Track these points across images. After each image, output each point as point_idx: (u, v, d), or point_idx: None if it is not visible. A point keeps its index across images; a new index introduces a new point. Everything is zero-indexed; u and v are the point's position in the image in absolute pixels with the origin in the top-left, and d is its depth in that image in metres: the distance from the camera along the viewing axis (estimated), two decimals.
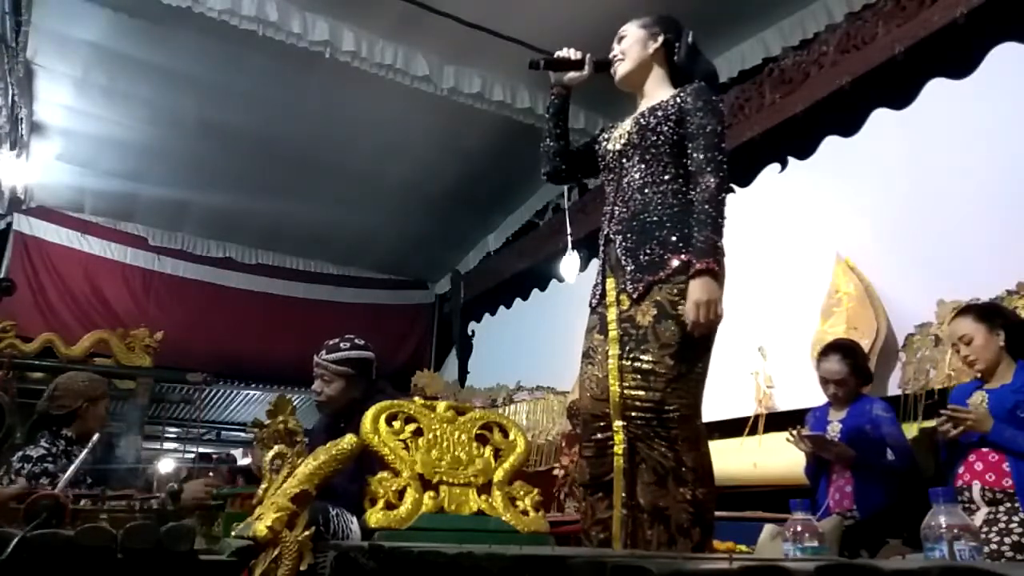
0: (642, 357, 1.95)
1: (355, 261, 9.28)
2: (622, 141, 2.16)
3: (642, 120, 2.13)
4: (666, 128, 2.07)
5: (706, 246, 1.92)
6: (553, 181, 2.51)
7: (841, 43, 4.47)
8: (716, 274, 1.90)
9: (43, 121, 6.51)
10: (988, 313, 2.69)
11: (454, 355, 9.07)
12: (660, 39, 2.22)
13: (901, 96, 4.15)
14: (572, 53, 2.28)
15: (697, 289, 1.88)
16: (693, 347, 1.95)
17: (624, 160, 2.15)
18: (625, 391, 1.95)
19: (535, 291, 7.55)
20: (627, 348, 1.98)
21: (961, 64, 3.87)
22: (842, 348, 3.14)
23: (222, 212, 7.94)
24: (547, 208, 7.78)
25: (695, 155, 2.01)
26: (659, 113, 2.10)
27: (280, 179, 7.24)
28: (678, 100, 2.09)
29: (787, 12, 5.11)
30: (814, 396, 3.27)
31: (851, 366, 3.07)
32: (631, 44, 2.23)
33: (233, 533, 1.91)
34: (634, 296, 2.00)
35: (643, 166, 2.10)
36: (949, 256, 3.73)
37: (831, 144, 4.57)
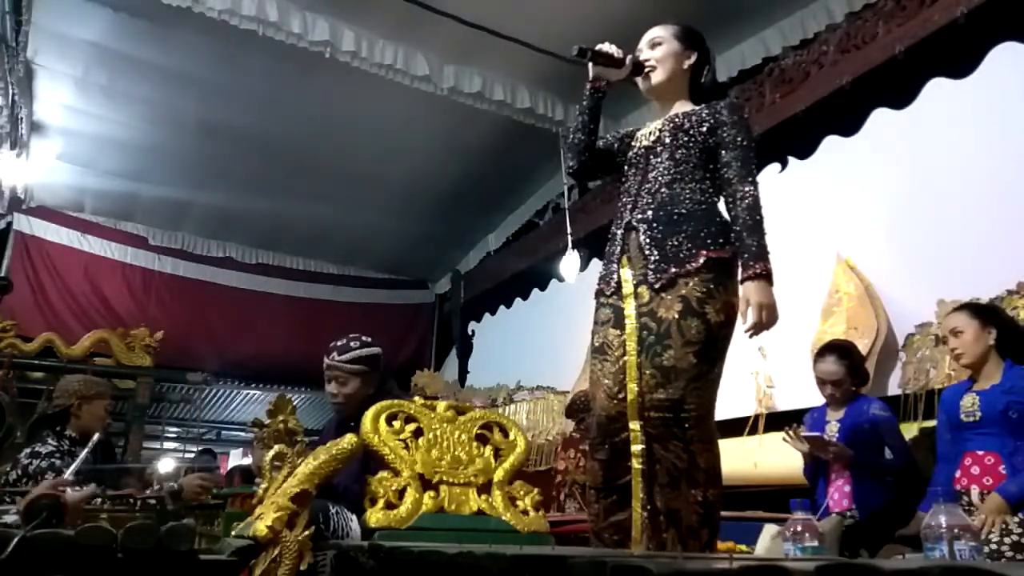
0: (664, 354, 1.91)
1: (355, 261, 9.29)
2: (652, 138, 2.17)
3: (676, 120, 2.14)
4: (698, 133, 2.09)
5: (760, 250, 1.93)
6: (578, 177, 2.50)
7: (841, 43, 4.47)
8: (770, 278, 1.92)
9: (43, 121, 6.51)
10: (982, 311, 2.71)
11: (454, 355, 9.07)
12: (694, 57, 2.23)
13: (901, 96, 4.15)
14: (615, 50, 2.24)
15: (757, 292, 1.90)
16: (715, 347, 1.94)
17: (652, 156, 2.15)
18: (644, 390, 1.92)
19: (535, 291, 7.55)
20: (646, 344, 1.95)
21: (961, 64, 3.86)
22: (838, 349, 3.15)
23: (222, 212, 7.95)
24: (547, 208, 7.78)
25: (733, 163, 2.03)
26: (693, 118, 2.12)
27: (280, 179, 7.24)
28: (712, 111, 2.12)
29: (787, 12, 5.11)
30: (814, 396, 3.27)
31: (848, 367, 3.07)
32: (667, 55, 2.22)
33: (233, 532, 1.91)
34: (656, 287, 1.97)
35: (672, 163, 2.10)
36: (949, 256, 3.73)
37: (831, 144, 4.57)
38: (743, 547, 2.97)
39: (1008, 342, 2.61)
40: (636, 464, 1.93)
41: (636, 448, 1.93)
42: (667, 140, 2.12)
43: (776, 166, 4.90)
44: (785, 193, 4.80)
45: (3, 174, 6.68)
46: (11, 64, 5.45)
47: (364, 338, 2.60)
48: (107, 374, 5.69)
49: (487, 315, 8.59)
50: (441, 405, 2.12)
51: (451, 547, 1.34)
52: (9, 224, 7.62)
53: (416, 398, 2.13)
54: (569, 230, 6.34)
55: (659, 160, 2.12)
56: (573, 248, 6.27)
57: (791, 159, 4.81)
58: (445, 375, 8.73)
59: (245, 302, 8.64)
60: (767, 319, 1.90)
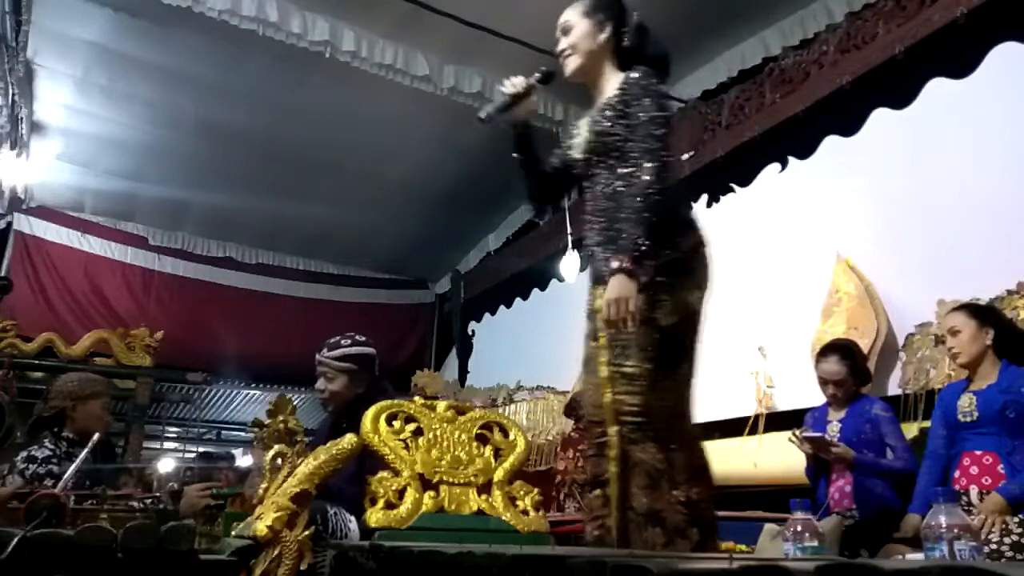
0: (626, 363, 1.95)
1: (355, 261, 9.28)
2: (585, 148, 2.15)
3: (596, 126, 2.11)
4: (619, 127, 2.05)
5: (625, 243, 1.88)
6: (542, 212, 2.48)
7: (841, 43, 4.47)
8: (630, 272, 1.85)
9: (43, 121, 6.51)
10: (980, 311, 2.73)
11: (454, 355, 9.07)
12: (609, 27, 2.16)
13: (901, 96, 4.15)
14: (515, 86, 2.21)
15: (612, 288, 1.85)
16: (672, 349, 1.95)
17: (591, 168, 2.13)
18: (616, 396, 1.96)
19: (535, 291, 7.55)
20: (615, 353, 1.99)
21: (961, 64, 3.86)
22: (841, 348, 3.15)
23: (222, 212, 7.94)
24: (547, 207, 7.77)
25: (636, 146, 1.97)
26: (608, 113, 2.07)
27: (280, 179, 7.24)
28: (622, 92, 2.06)
29: (787, 12, 5.11)
30: (814, 396, 3.27)
31: (850, 366, 3.07)
32: (580, 37, 2.16)
33: (233, 533, 1.91)
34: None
35: (607, 172, 2.08)
36: (949, 256, 3.73)
37: (831, 144, 4.57)
38: (743, 547, 2.97)
39: (1006, 343, 2.61)
40: (612, 467, 1.95)
41: (612, 452, 1.95)
42: (598, 148, 2.10)
43: (776, 166, 4.90)
44: (785, 193, 4.81)
45: (3, 174, 6.67)
46: (11, 64, 5.44)
47: (358, 337, 2.61)
48: (107, 374, 5.68)
49: (487, 315, 8.59)
50: (441, 405, 2.12)
51: (451, 547, 1.34)
52: (9, 224, 7.61)
53: (416, 398, 2.13)
54: (569, 230, 6.33)
55: (598, 172, 2.10)
56: (573, 248, 6.26)
57: (791, 159, 4.81)
58: (445, 375, 8.73)
59: (245, 302, 8.64)
60: (613, 315, 1.84)
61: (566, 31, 2.18)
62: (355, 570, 1.60)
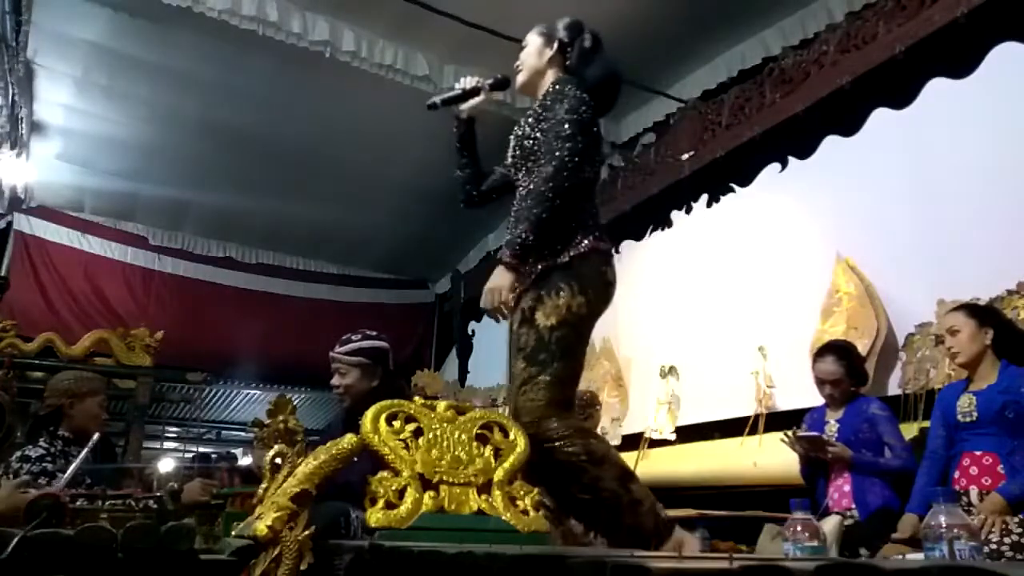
0: (511, 364, 2.04)
1: (355, 260, 9.29)
2: (511, 154, 2.21)
3: (519, 130, 2.18)
4: (537, 133, 2.09)
5: (511, 238, 1.96)
6: (469, 207, 2.51)
7: (841, 42, 4.47)
8: (511, 266, 1.95)
9: (43, 121, 6.52)
10: (980, 311, 2.73)
11: (454, 355, 9.07)
12: (555, 45, 2.23)
13: (901, 96, 4.15)
14: (467, 83, 2.34)
15: (492, 277, 1.96)
16: (545, 350, 1.98)
17: (515, 172, 2.20)
18: (512, 394, 2.04)
19: None
20: (511, 356, 2.07)
21: (961, 63, 3.86)
22: (837, 349, 3.15)
23: (222, 212, 7.95)
24: None
25: (544, 145, 2.03)
26: (530, 119, 2.13)
27: (280, 179, 7.25)
28: (542, 99, 2.13)
29: (787, 12, 5.12)
30: (814, 396, 3.27)
31: (846, 367, 3.07)
32: (529, 54, 2.26)
33: (233, 532, 1.91)
34: (514, 306, 2.08)
35: (525, 173, 2.13)
36: (949, 256, 3.73)
37: (831, 144, 4.57)
38: (743, 547, 2.97)
39: (1006, 343, 2.61)
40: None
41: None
42: (518, 153, 2.16)
43: (776, 166, 4.90)
44: (785, 193, 4.81)
45: (3, 174, 6.68)
46: (11, 64, 5.45)
47: (369, 332, 2.66)
48: (107, 373, 5.68)
49: (487, 315, 8.58)
50: (441, 405, 2.11)
51: (451, 547, 1.34)
52: (9, 224, 7.62)
53: (416, 398, 2.13)
54: None
55: (520, 175, 2.16)
56: None
57: (791, 159, 4.81)
58: (445, 375, 8.73)
59: (245, 302, 8.65)
60: (488, 303, 1.95)
61: (523, 48, 2.30)
62: (367, 573, 1.60)
